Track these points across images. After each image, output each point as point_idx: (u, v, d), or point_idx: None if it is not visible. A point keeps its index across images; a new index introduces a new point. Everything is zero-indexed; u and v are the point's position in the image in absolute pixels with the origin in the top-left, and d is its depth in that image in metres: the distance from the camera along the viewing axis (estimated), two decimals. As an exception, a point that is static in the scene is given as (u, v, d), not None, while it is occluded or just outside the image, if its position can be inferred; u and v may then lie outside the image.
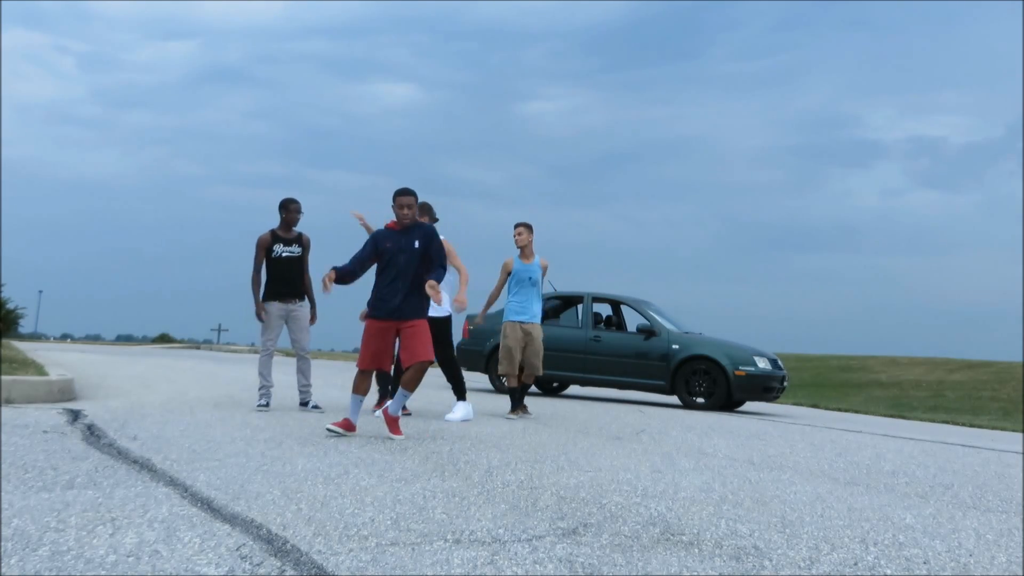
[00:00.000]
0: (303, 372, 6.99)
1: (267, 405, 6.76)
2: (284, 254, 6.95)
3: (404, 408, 7.43)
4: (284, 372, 7.09)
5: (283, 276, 6.94)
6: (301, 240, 7.06)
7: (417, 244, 5.40)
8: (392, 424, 5.35)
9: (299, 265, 7.00)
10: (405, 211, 5.40)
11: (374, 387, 6.46)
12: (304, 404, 6.91)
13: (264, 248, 6.93)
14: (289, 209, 7.00)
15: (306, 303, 7.08)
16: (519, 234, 7.62)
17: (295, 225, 7.08)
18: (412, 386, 5.36)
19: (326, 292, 5.27)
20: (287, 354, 7.21)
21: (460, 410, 6.85)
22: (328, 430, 5.14)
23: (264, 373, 6.87)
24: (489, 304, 8.10)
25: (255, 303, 6.95)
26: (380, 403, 7.02)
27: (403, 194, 5.44)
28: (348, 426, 5.19)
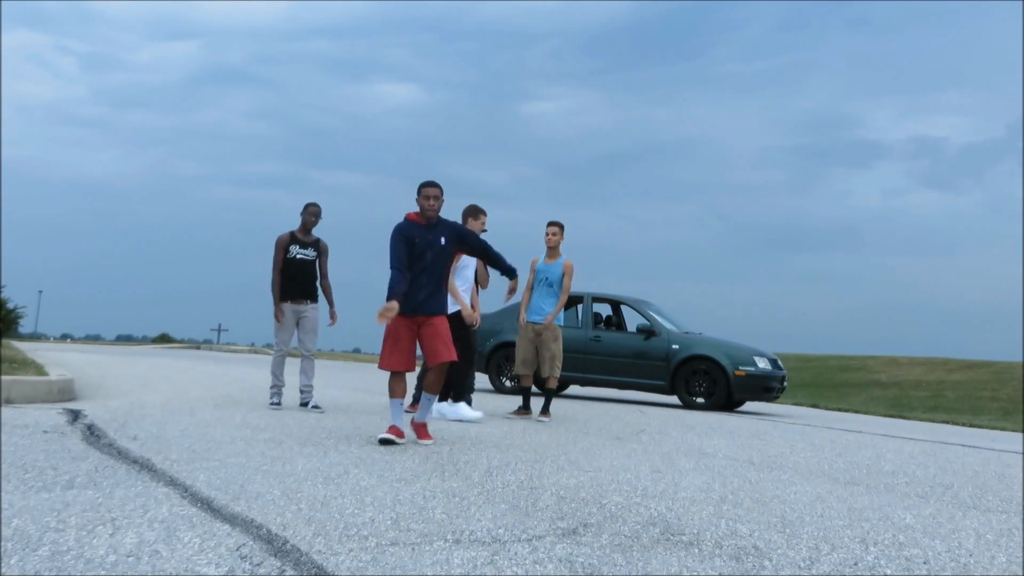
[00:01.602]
0: (306, 373, 7.06)
1: (279, 404, 6.86)
2: (299, 256, 7.04)
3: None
4: (286, 372, 7.11)
5: (295, 277, 7.02)
6: (319, 245, 7.15)
7: (444, 241, 5.16)
8: (419, 430, 5.16)
9: (312, 268, 7.09)
10: (431, 202, 5.11)
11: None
12: (304, 404, 6.95)
13: (282, 248, 7.02)
14: (307, 211, 7.09)
15: (316, 306, 7.16)
16: (553, 234, 7.64)
17: (312, 228, 7.15)
18: (435, 388, 5.18)
19: (382, 321, 4.96)
20: (290, 354, 7.23)
21: (448, 410, 6.85)
22: (381, 440, 4.90)
23: (276, 372, 6.99)
24: (523, 303, 8.01)
25: (274, 303, 7.00)
26: (413, 405, 6.78)
27: (429, 185, 5.17)
28: (397, 433, 4.97)
